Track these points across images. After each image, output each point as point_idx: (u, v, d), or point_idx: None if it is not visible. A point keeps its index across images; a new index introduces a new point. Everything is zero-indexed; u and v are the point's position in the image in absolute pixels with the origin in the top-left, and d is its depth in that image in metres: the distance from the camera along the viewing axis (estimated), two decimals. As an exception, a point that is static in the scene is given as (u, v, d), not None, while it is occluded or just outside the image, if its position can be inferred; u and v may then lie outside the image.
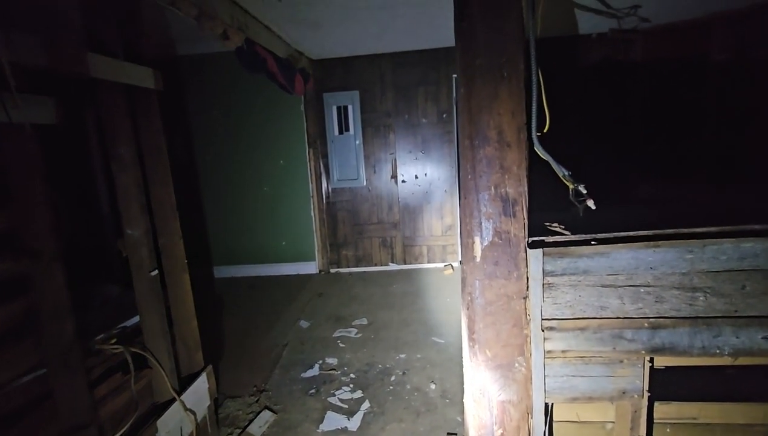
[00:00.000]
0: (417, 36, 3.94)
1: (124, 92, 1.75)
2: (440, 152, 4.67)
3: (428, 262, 4.81)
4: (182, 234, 2.09)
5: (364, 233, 4.85)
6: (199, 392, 2.04)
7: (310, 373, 2.72)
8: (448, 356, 2.83)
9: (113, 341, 1.76)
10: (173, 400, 1.85)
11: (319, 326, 3.42)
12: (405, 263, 4.85)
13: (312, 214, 4.71)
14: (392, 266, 4.85)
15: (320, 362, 2.84)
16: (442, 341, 3.04)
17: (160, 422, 1.74)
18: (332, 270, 4.89)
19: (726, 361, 1.39)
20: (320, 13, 3.11)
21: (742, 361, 1.40)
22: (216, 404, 2.31)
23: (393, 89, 4.61)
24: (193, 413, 1.95)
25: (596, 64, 4.25)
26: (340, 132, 4.79)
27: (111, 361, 1.72)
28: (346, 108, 4.76)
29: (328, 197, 4.84)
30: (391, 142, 4.72)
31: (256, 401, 2.46)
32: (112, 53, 1.72)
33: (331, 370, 2.75)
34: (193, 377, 2.07)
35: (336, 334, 3.25)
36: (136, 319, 1.90)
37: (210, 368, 2.17)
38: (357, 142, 4.76)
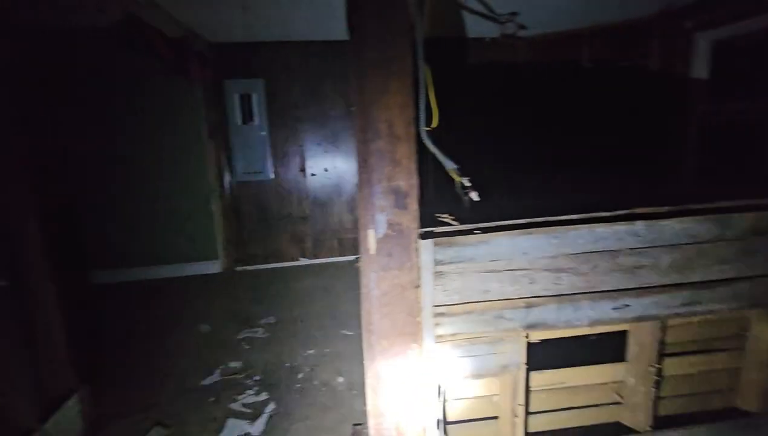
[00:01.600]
0: (323, 27, 3.86)
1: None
2: (350, 145, 4.66)
3: (340, 255, 4.80)
4: (52, 237, 1.78)
5: (273, 228, 4.66)
6: (69, 417, 1.77)
7: (209, 380, 2.54)
8: (357, 347, 2.85)
9: (-58, 369, 1.45)
10: (32, 431, 1.59)
11: (222, 328, 3.21)
12: (316, 258, 4.78)
13: (213, 209, 4.38)
14: (303, 261, 4.75)
15: (222, 366, 2.67)
16: (352, 333, 3.06)
17: (13, 458, 1.48)
18: (239, 268, 4.62)
19: (585, 331, 1.60)
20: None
21: (598, 329, 1.63)
22: (95, 427, 2.04)
23: (301, 79, 4.47)
24: (61, 441, 1.70)
25: (489, 65, 4.59)
26: (244, 122, 4.52)
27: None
28: (249, 97, 4.50)
29: (231, 191, 4.54)
30: (300, 134, 4.59)
31: (146, 418, 2.22)
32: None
33: (233, 374, 2.59)
34: (62, 400, 1.80)
35: (240, 335, 3.08)
36: (-23, 340, 1.58)
37: (85, 388, 1.90)
38: (263, 133, 4.54)
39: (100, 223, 4.17)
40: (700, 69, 3.64)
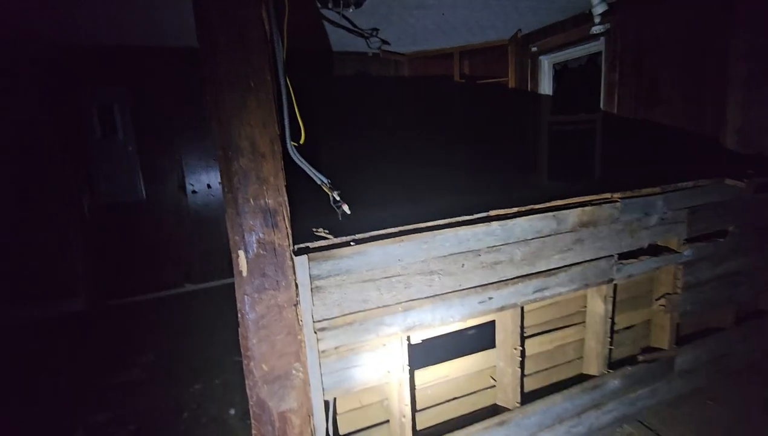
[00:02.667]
0: (190, 31, 3.60)
1: None
2: (235, 159, 4.41)
3: (231, 276, 4.48)
4: None
5: (149, 253, 4.17)
6: None
7: (68, 441, 2.16)
8: (251, 373, 2.69)
9: None
10: None
11: (86, 376, 2.76)
12: (205, 281, 4.41)
13: (69, 238, 3.75)
14: (188, 287, 4.34)
15: (84, 424, 2.29)
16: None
17: None
18: (109, 302, 4.02)
19: (458, 326, 1.74)
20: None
21: (470, 322, 1.79)
22: None
23: (173, 89, 4.11)
24: None
25: (374, 78, 4.78)
26: (104, 136, 3.98)
27: None
28: (111, 107, 3.98)
29: (93, 215, 3.95)
30: (176, 149, 4.21)
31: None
32: None
33: (100, 429, 2.24)
34: None
35: (112, 381, 2.68)
36: None
37: None
38: (129, 148, 4.05)
39: None
40: (545, 87, 4.28)
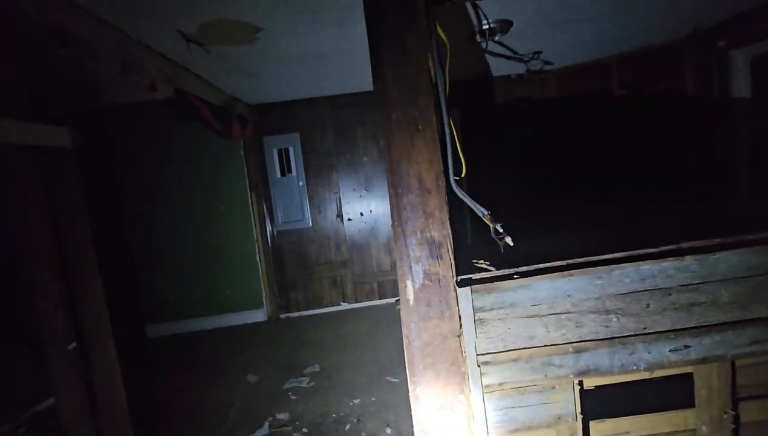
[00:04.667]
0: (351, 81, 4.10)
1: (34, 153, 1.66)
2: (383, 189, 4.78)
3: (379, 298, 4.80)
4: (110, 295, 1.94)
5: (313, 274, 4.77)
6: (129, 474, 1.84)
7: (259, 433, 2.56)
8: (403, 395, 2.79)
9: (22, 430, 1.57)
10: (97, 489, 1.66)
11: (269, 378, 3.26)
12: (356, 302, 4.80)
13: (257, 259, 4.57)
14: (344, 306, 4.79)
15: (270, 419, 2.69)
16: (397, 380, 3.01)
17: None
18: (282, 315, 4.72)
19: (644, 375, 1.50)
20: (254, 63, 3.17)
21: (658, 373, 1.52)
22: (152, 483, 2.10)
23: (333, 130, 4.72)
24: (123, 499, 1.76)
25: (517, 101, 4.64)
26: (282, 174, 4.78)
27: (19, 454, 1.53)
28: (287, 150, 4.78)
29: (273, 240, 4.74)
30: (335, 182, 4.78)
31: (199, 474, 2.26)
32: (19, 113, 1.63)
33: (282, 427, 2.60)
34: (122, 456, 1.88)
35: (287, 385, 3.11)
36: (51, 400, 1.71)
37: (142, 443, 1.98)
38: (300, 183, 4.77)
39: (154, 280, 4.46)
40: (740, 87, 3.50)
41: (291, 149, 4.76)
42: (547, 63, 3.97)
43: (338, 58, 3.27)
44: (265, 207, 4.69)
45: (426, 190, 1.37)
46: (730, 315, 1.42)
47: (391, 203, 1.44)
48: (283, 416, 2.71)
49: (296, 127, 4.71)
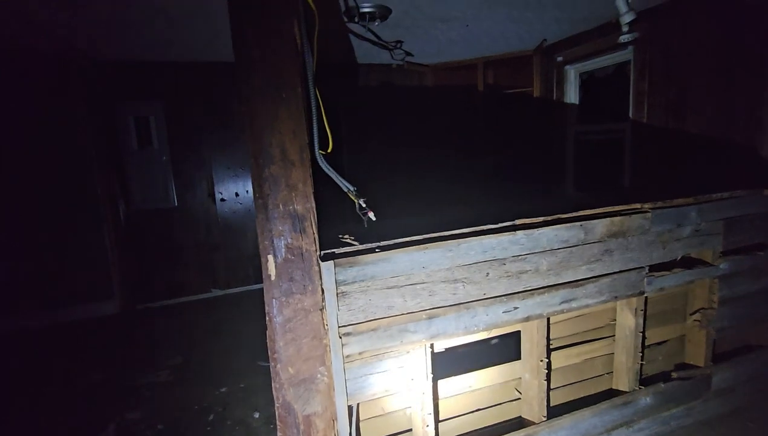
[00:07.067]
0: (220, 47, 3.75)
1: None
2: (261, 168, 4.53)
3: (256, 283, 4.59)
4: None
5: (179, 259, 4.32)
6: None
7: (101, 437, 2.24)
8: (274, 378, 2.73)
9: None
10: None
11: (118, 376, 2.86)
12: (230, 287, 4.51)
13: (106, 243, 3.93)
14: (215, 293, 4.45)
15: (117, 420, 2.37)
16: (268, 364, 2.92)
17: None
18: (139, 306, 4.18)
19: (483, 335, 1.73)
20: (99, 5, 2.66)
21: (494, 333, 1.77)
22: None
23: (204, 101, 4.28)
24: None
25: (397, 89, 4.85)
26: (141, 147, 4.18)
27: None
28: (146, 119, 4.18)
29: (128, 222, 4.13)
30: (206, 158, 4.36)
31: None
32: None
33: (131, 427, 2.31)
34: None
35: (141, 381, 2.77)
36: None
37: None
38: (163, 157, 4.23)
39: (-45, 268, 3.51)
40: (572, 96, 4.23)
41: (152, 119, 4.17)
42: (409, 54, 4.19)
43: (204, 14, 2.95)
44: (117, 184, 4.05)
45: (289, 162, 1.33)
46: (547, 280, 1.72)
47: (252, 175, 1.36)
48: (133, 415, 2.41)
49: (159, 95, 4.14)
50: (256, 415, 2.38)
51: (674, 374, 2.03)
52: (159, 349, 3.24)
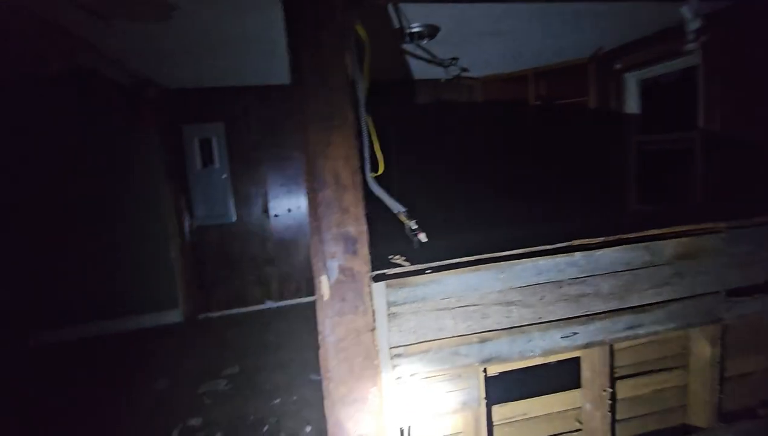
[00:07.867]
0: (278, 72, 3.96)
1: None
2: (312, 185, 4.69)
3: (307, 295, 4.72)
4: None
5: (236, 271, 4.55)
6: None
7: (167, 442, 2.39)
8: (324, 392, 2.78)
9: None
10: None
11: (181, 383, 3.05)
12: (282, 300, 4.68)
13: (173, 255, 4.25)
14: (269, 305, 4.63)
15: (180, 426, 2.52)
16: (320, 378, 2.98)
17: None
18: (201, 316, 4.44)
19: (539, 360, 1.65)
20: (168, 44, 2.93)
21: (551, 358, 1.69)
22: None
23: (260, 122, 4.53)
24: None
25: (444, 104, 4.84)
26: (204, 166, 4.50)
27: None
28: (209, 141, 4.50)
29: (192, 236, 4.44)
30: (262, 176, 4.60)
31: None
32: None
33: (193, 433, 2.45)
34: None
35: (201, 389, 2.93)
36: None
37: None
38: (224, 176, 4.52)
39: (47, 278, 3.94)
40: (632, 105, 3.99)
41: (214, 140, 4.49)
42: (464, 69, 4.18)
43: (262, 45, 3.14)
44: (183, 200, 4.37)
45: (342, 186, 1.37)
46: (609, 305, 1.62)
47: (308, 198, 1.42)
48: (195, 421, 2.55)
49: (220, 117, 4.45)
50: (308, 429, 2.43)
51: (760, 411, 1.82)
52: (218, 358, 3.42)
